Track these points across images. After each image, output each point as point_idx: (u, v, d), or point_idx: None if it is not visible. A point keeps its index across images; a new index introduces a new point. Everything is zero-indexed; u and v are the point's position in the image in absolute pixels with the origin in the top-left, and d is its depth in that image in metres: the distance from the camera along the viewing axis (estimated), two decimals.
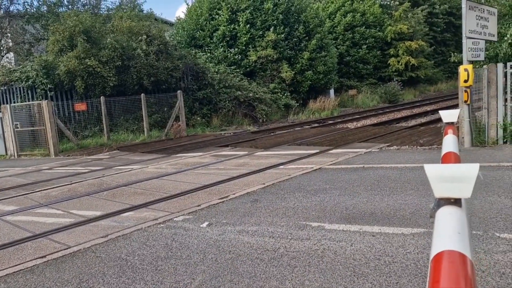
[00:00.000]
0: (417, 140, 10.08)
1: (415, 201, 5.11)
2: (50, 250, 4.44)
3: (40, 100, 14.55)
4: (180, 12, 69.58)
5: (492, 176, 5.93)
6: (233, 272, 3.52)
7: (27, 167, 11.32)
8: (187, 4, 24.85)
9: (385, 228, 4.23)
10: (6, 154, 14.92)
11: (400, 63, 29.50)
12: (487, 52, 9.43)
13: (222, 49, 21.47)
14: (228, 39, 21.59)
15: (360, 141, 10.82)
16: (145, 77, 16.63)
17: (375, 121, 17.24)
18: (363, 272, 3.29)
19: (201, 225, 4.86)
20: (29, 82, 15.67)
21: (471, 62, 8.61)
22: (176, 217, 5.30)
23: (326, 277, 3.27)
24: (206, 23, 22.00)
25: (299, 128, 16.36)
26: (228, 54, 21.41)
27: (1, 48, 21.56)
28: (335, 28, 28.33)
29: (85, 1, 23.30)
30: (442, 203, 1.17)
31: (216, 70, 19.87)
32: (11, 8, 21.92)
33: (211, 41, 21.93)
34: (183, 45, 21.85)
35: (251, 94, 19.46)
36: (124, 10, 22.51)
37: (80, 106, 15.60)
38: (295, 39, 22.31)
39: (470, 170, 1.15)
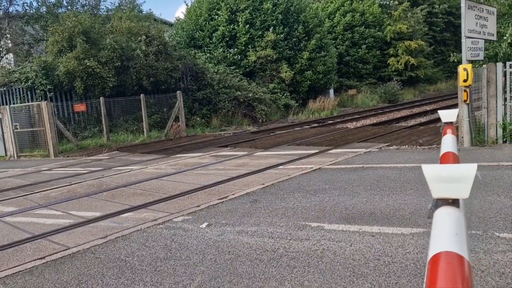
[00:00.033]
0: (416, 140, 10.08)
1: (414, 201, 5.10)
2: (49, 251, 4.44)
3: (39, 101, 14.55)
4: (180, 12, 69.66)
5: (491, 176, 5.92)
6: (232, 272, 3.52)
7: (27, 168, 11.32)
8: (186, 5, 24.89)
9: (384, 228, 4.23)
10: (6, 155, 14.93)
11: (399, 63, 29.51)
12: (487, 52, 9.43)
13: (221, 49, 21.46)
14: (227, 39, 21.58)
15: (360, 141, 10.81)
16: (145, 77, 16.62)
17: (374, 121, 17.23)
18: (363, 272, 3.29)
19: (200, 226, 4.86)
20: (29, 83, 15.67)
21: (471, 61, 8.61)
22: (176, 217, 5.29)
23: (325, 277, 3.27)
24: (206, 23, 22.00)
25: (298, 128, 16.35)
26: (228, 54, 21.41)
27: (1, 49, 21.55)
28: (335, 28, 28.33)
29: (84, 2, 23.33)
30: (440, 203, 1.17)
31: (216, 70, 19.85)
32: (10, 9, 21.99)
33: (211, 41, 21.92)
34: (182, 45, 21.84)
35: (250, 94, 19.45)
36: (124, 11, 22.51)
37: (80, 107, 15.60)
38: (295, 39, 22.31)
39: (468, 171, 1.14)
